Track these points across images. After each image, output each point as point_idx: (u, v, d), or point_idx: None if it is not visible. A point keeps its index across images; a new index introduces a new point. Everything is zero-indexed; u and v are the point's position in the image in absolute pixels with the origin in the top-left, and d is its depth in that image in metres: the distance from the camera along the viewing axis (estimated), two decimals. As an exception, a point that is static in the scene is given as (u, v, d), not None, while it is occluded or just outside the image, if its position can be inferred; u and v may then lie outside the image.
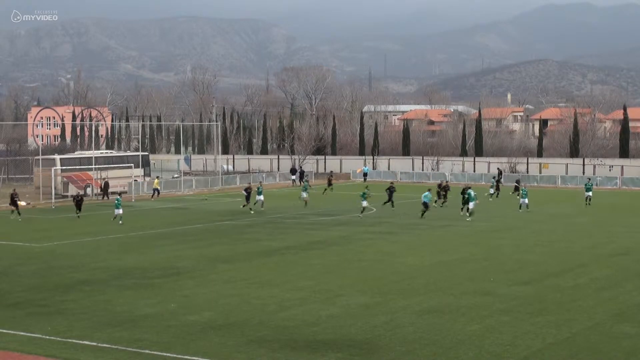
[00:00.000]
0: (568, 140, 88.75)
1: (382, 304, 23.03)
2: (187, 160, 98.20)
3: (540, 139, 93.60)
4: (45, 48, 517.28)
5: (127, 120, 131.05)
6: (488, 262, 30.64)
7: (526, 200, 50.31)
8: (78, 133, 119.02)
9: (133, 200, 60.19)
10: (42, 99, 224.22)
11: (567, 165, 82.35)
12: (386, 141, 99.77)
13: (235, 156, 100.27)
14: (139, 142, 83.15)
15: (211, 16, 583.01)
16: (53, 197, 57.71)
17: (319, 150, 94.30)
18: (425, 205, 46.67)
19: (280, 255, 32.71)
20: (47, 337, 19.56)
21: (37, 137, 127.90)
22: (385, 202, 51.26)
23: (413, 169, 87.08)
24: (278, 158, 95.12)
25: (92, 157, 65.51)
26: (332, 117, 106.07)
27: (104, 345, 18.76)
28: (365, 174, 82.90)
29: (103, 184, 62.71)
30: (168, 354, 18.06)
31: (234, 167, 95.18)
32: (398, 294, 24.43)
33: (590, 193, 54.12)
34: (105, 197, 61.58)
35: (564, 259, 31.25)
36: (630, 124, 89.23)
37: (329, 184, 68.01)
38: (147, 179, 70.39)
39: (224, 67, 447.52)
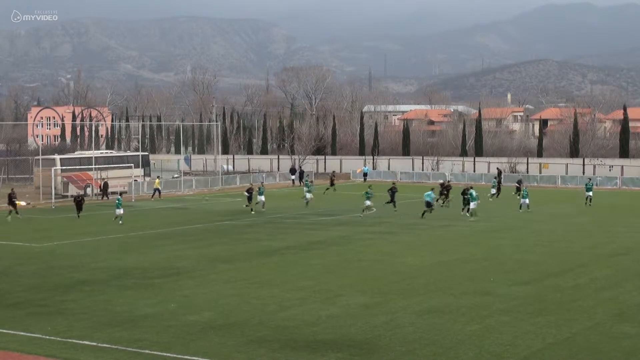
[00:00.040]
0: (568, 140, 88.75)
1: (382, 304, 23.03)
2: (187, 160, 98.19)
3: (540, 139, 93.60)
4: (45, 48, 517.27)
5: (127, 120, 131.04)
6: (488, 262, 30.64)
7: (527, 201, 50.32)
8: (78, 133, 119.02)
9: (133, 200, 60.18)
10: (42, 99, 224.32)
11: (567, 165, 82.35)
12: (386, 141, 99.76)
13: (235, 156, 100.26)
14: (139, 142, 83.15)
15: (211, 16, 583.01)
16: (53, 197, 57.71)
17: (319, 150, 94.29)
18: (428, 204, 46.63)
19: (280, 255, 32.72)
20: (47, 337, 19.56)
21: (37, 137, 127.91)
22: (387, 202, 51.15)
23: (413, 169, 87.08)
24: (278, 158, 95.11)
25: (92, 157, 65.51)
26: (332, 117, 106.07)
27: (104, 345, 18.76)
28: (365, 174, 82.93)
29: (102, 184, 62.71)
30: (168, 354, 18.07)
31: (234, 167, 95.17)
32: (398, 294, 24.43)
33: (590, 193, 54.09)
34: (105, 197, 61.59)
35: (564, 259, 31.25)
36: (630, 124, 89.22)
37: (331, 183, 67.87)
38: (147, 179, 70.41)
39: (224, 67, 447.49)
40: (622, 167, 79.40)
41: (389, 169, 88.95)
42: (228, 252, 33.63)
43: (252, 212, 49.62)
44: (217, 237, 38.65)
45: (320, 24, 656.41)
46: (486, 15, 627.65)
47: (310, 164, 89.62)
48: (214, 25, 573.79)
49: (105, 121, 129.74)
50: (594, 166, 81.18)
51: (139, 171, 69.16)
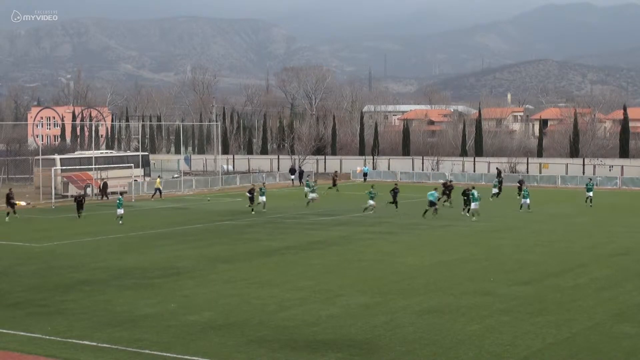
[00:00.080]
0: (568, 140, 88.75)
1: (382, 304, 23.03)
2: (187, 160, 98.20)
3: (540, 139, 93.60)
4: (45, 48, 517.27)
5: (127, 120, 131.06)
6: (488, 262, 30.64)
7: (528, 201, 50.29)
8: (78, 133, 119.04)
9: (133, 200, 60.18)
10: (42, 99, 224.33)
11: (567, 165, 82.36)
12: (386, 141, 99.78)
13: (235, 156, 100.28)
14: (139, 142, 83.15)
15: (211, 16, 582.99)
16: (53, 197, 57.71)
17: (319, 150, 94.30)
18: (432, 204, 46.59)
19: (280, 255, 32.72)
20: (47, 337, 19.56)
21: (37, 137, 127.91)
22: (389, 202, 51.02)
23: (413, 169, 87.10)
24: (278, 158, 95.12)
25: (92, 157, 65.50)
26: (332, 117, 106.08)
27: (104, 345, 18.76)
28: (365, 174, 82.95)
29: (101, 184, 62.70)
30: (168, 354, 18.07)
31: (234, 167, 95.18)
32: (398, 294, 24.43)
33: (591, 194, 53.88)
34: (105, 198, 61.59)
35: (564, 259, 31.25)
36: (630, 124, 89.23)
37: (333, 183, 67.66)
38: (147, 179, 70.42)
39: (224, 67, 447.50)
40: (622, 167, 79.41)
41: (389, 169, 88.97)
42: (228, 252, 33.62)
43: (253, 212, 49.61)
44: (217, 237, 38.64)
45: (320, 24, 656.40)
46: (486, 15, 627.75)
47: (310, 164, 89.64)
48: (214, 25, 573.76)
49: (105, 121, 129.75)
50: (594, 166, 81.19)
51: (139, 171, 69.14)
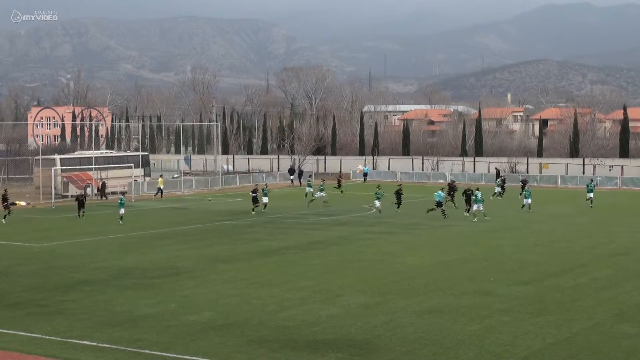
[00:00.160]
0: (568, 140, 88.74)
1: (382, 304, 23.03)
2: (187, 160, 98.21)
3: (540, 139, 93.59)
4: (45, 48, 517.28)
5: (127, 120, 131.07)
6: (488, 262, 30.64)
7: (529, 201, 50.25)
8: (78, 133, 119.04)
9: (133, 200, 60.15)
10: (42, 99, 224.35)
11: (567, 165, 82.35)
12: (386, 141, 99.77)
13: (235, 156, 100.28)
14: (139, 142, 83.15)
15: (211, 16, 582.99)
16: (53, 197, 57.70)
17: (319, 150, 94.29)
18: (439, 204, 46.54)
19: (280, 255, 32.72)
20: (47, 337, 19.57)
21: (37, 137, 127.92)
22: (396, 203, 50.67)
23: (413, 169, 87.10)
24: (278, 158, 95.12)
25: (92, 157, 65.50)
26: (332, 117, 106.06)
27: (104, 345, 18.77)
28: (365, 174, 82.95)
29: (100, 184, 62.70)
30: (168, 354, 18.07)
31: (234, 167, 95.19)
32: (398, 294, 24.43)
33: (591, 194, 53.71)
34: (103, 198, 61.57)
35: (564, 259, 31.25)
36: (630, 124, 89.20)
37: (338, 184, 66.88)
38: (147, 179, 70.42)
39: (224, 67, 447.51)
40: (622, 167, 79.39)
41: (389, 169, 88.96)
42: (228, 252, 33.63)
43: (253, 212, 49.62)
44: (217, 237, 38.65)
45: (320, 24, 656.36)
46: (486, 15, 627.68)
47: (310, 164, 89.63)
48: (214, 25, 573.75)
49: (105, 121, 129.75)
50: (594, 166, 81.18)
51: (139, 171, 69.13)
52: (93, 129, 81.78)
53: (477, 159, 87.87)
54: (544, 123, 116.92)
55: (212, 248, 34.91)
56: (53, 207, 55.69)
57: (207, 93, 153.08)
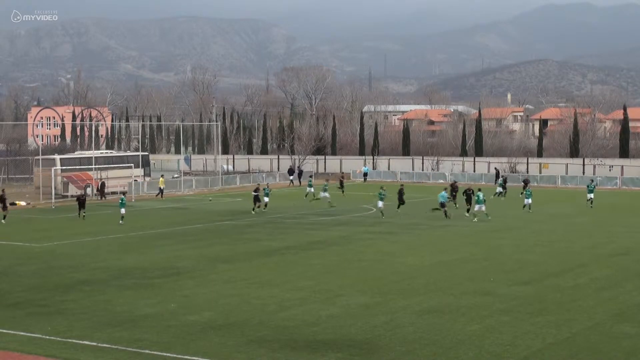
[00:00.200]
0: (568, 140, 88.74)
1: (382, 304, 23.03)
2: (187, 160, 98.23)
3: (540, 139, 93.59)
4: (45, 48, 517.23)
5: (127, 120, 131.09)
6: (488, 262, 30.64)
7: (529, 201, 50.25)
8: (78, 133, 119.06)
9: (133, 200, 60.15)
10: (42, 99, 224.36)
11: (567, 165, 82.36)
12: (386, 141, 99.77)
13: (235, 156, 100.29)
14: (139, 142, 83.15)
15: (211, 16, 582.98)
16: (53, 197, 57.70)
17: (319, 150, 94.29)
18: (442, 205, 46.50)
19: (280, 255, 32.72)
20: (47, 337, 19.57)
21: (37, 137, 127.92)
22: (401, 204, 50.62)
23: (413, 169, 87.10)
24: (278, 158, 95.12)
25: (92, 157, 65.49)
26: (332, 117, 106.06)
27: (104, 345, 18.77)
28: (365, 174, 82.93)
29: (100, 184, 62.68)
30: (168, 354, 18.07)
31: (234, 167, 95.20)
32: (398, 294, 24.43)
33: (592, 195, 53.67)
34: (103, 198, 61.53)
35: (564, 259, 31.25)
36: (630, 124, 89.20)
37: (340, 185, 66.04)
38: (147, 179, 70.42)
39: (224, 67, 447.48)
40: (622, 167, 79.40)
41: (389, 169, 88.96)
42: (228, 252, 33.63)
43: (253, 212, 49.62)
44: (217, 237, 38.65)
45: (320, 24, 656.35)
46: (486, 15, 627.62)
47: (310, 164, 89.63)
48: (214, 25, 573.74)
49: (105, 121, 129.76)
50: (594, 166, 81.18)
51: (139, 171, 69.13)
52: (93, 129, 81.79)
53: (477, 159, 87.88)
54: (544, 123, 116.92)
55: (212, 248, 34.91)
56: (53, 207, 55.69)
57: (207, 93, 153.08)
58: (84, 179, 64.12)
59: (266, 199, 51.52)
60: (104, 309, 22.56)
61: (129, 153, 79.37)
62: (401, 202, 50.18)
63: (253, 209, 50.08)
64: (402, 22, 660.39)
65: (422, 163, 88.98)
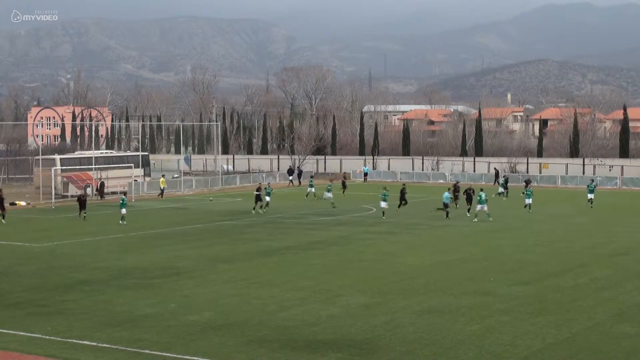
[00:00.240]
0: (568, 140, 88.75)
1: (382, 304, 23.03)
2: (187, 160, 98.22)
3: (540, 139, 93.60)
4: (45, 48, 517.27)
5: (127, 120, 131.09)
6: (488, 262, 30.65)
7: (529, 201, 50.25)
8: (78, 133, 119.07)
9: (133, 200, 60.14)
10: (42, 99, 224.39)
11: (567, 165, 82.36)
12: (386, 141, 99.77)
13: (235, 156, 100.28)
14: (139, 142, 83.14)
15: (211, 16, 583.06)
16: (53, 197, 57.68)
17: (319, 150, 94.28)
18: (446, 205, 46.48)
19: (280, 255, 32.72)
20: (47, 337, 19.56)
21: (37, 137, 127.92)
22: (403, 205, 50.61)
23: (413, 169, 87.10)
24: (278, 158, 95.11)
25: (92, 157, 65.49)
26: (332, 117, 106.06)
27: (104, 345, 18.77)
28: (365, 174, 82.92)
29: (99, 184, 62.67)
30: (168, 354, 18.07)
31: (234, 167, 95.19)
32: (398, 294, 24.43)
33: (592, 195, 53.64)
34: (101, 198, 61.49)
35: (564, 259, 31.26)
36: (630, 124, 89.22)
37: (343, 185, 65.04)
38: (147, 179, 70.42)
39: (224, 67, 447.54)
40: (622, 167, 79.40)
41: (389, 169, 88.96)
42: (228, 252, 33.62)
43: (253, 212, 49.62)
44: (217, 237, 38.64)
45: (320, 24, 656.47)
46: (486, 15, 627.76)
47: (310, 164, 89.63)
48: (214, 25, 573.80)
49: (105, 121, 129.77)
50: (594, 166, 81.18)
51: (139, 171, 69.13)
52: (93, 129, 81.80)
53: (477, 159, 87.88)
54: (544, 123, 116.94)
55: (212, 248, 34.91)
56: (53, 207, 55.67)
57: (207, 93, 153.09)
58: (84, 179, 64.10)
59: (267, 199, 51.49)
60: (104, 309, 22.56)
61: (129, 153, 79.37)
62: (403, 201, 50.21)
63: (254, 208, 50.08)
64: (402, 22, 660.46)
65: (422, 163, 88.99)
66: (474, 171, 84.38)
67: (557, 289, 25.14)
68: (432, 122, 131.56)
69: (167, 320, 21.12)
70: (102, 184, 62.57)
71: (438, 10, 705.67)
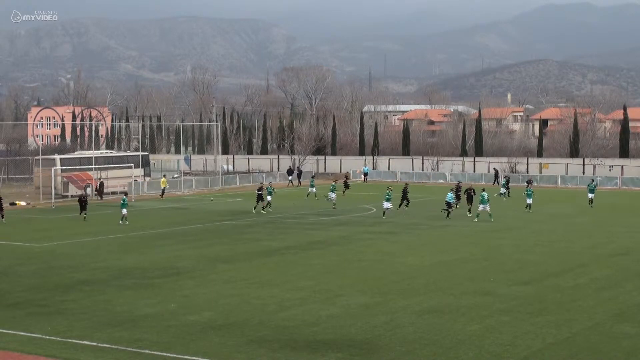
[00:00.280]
0: (568, 140, 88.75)
1: (382, 304, 23.03)
2: (187, 160, 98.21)
3: (540, 139, 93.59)
4: (45, 48, 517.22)
5: (127, 120, 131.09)
6: (488, 262, 30.64)
7: (530, 200, 50.24)
8: (78, 133, 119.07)
9: (133, 200, 60.12)
10: (42, 99, 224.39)
11: (567, 165, 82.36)
12: (386, 141, 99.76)
13: (235, 156, 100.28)
14: (139, 142, 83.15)
15: (211, 16, 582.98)
16: (53, 197, 57.68)
17: (319, 150, 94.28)
18: (449, 205, 46.47)
19: (280, 255, 32.71)
20: (47, 337, 19.56)
21: (37, 137, 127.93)
22: (406, 204, 50.56)
23: (413, 169, 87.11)
24: (278, 158, 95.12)
25: (92, 157, 65.50)
26: (332, 117, 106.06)
27: (104, 345, 18.76)
28: (365, 174, 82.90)
29: (98, 184, 62.67)
30: (168, 354, 18.06)
31: (234, 167, 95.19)
32: (398, 294, 24.43)
33: (592, 195, 53.63)
34: (101, 198, 61.47)
35: (564, 259, 31.26)
36: (630, 124, 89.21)
37: (345, 185, 64.51)
38: (147, 179, 70.42)
39: (224, 67, 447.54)
40: (622, 167, 79.41)
41: (389, 169, 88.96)
42: (228, 252, 33.62)
43: (254, 212, 49.63)
44: (217, 237, 38.64)
45: (320, 24, 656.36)
46: (486, 15, 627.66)
47: (310, 164, 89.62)
48: (214, 25, 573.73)
49: (105, 121, 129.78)
50: (594, 166, 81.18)
51: (139, 171, 69.13)
52: (93, 129, 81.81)
53: (477, 159, 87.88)
54: (544, 123, 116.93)
55: (212, 248, 34.91)
56: (53, 207, 55.68)
57: (207, 93, 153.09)
58: (84, 179, 64.12)
59: (269, 198, 51.47)
60: (104, 309, 22.55)
61: (129, 153, 79.37)
62: (405, 200, 50.22)
63: (254, 208, 50.09)
64: (402, 22, 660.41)
65: (422, 163, 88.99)
66: (474, 171, 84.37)
67: (557, 289, 25.14)
68: (432, 122, 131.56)
69: (167, 320, 21.12)
70: (102, 184, 62.56)
71: (438, 10, 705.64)
